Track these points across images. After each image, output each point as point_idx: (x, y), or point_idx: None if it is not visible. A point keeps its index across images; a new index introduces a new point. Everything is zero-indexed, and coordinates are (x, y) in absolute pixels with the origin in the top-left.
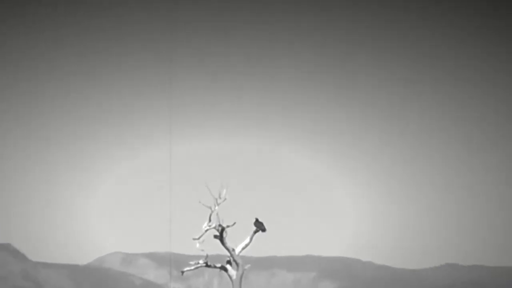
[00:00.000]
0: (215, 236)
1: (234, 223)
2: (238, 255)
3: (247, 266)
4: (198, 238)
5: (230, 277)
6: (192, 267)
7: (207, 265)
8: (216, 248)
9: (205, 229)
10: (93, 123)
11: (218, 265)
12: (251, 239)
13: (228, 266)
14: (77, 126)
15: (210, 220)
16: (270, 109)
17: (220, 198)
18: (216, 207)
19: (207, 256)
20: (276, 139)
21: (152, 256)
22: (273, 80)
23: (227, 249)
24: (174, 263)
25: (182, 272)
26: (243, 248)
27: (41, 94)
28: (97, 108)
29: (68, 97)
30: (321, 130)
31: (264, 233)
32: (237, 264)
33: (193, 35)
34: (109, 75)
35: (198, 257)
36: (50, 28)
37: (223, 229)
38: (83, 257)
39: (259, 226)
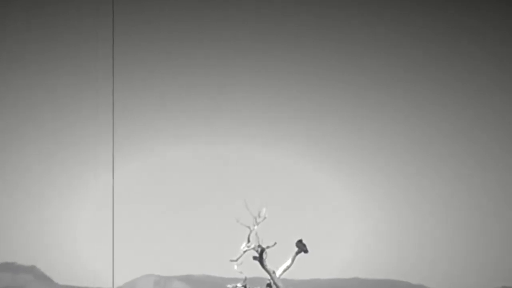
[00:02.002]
0: (255, 258)
1: (275, 243)
2: (279, 277)
3: None
4: (236, 260)
5: None
6: None
7: None
8: (255, 270)
9: (244, 250)
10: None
11: None
12: (292, 260)
13: None
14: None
15: (249, 241)
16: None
17: (259, 217)
18: (255, 227)
19: (245, 279)
20: (316, 157)
21: (187, 279)
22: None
23: (267, 271)
24: (211, 286)
25: None
26: (284, 271)
27: None
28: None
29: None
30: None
31: (306, 254)
32: (277, 287)
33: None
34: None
35: (236, 280)
36: None
37: (263, 250)
38: (113, 280)
39: (301, 247)
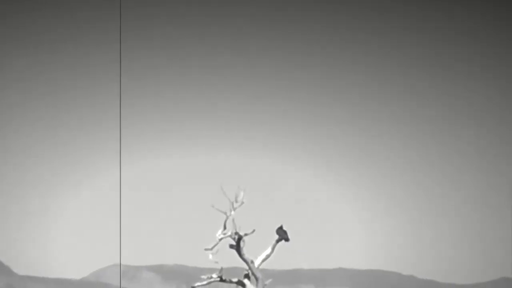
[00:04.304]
0: (231, 246)
1: (253, 230)
2: (257, 267)
3: (268, 281)
4: (211, 249)
5: None
6: (205, 282)
7: (221, 280)
8: (232, 259)
9: (219, 238)
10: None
11: (235, 279)
12: (273, 249)
13: (246, 281)
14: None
15: (225, 228)
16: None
17: (236, 201)
18: (232, 212)
19: (221, 269)
20: (300, 144)
21: (158, 269)
22: (286, 93)
23: (245, 260)
24: (184, 277)
25: (193, 287)
26: (263, 260)
27: None
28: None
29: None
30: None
31: (287, 242)
32: (256, 278)
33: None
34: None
35: (212, 270)
36: None
37: (240, 238)
38: (77, 270)
39: (282, 234)
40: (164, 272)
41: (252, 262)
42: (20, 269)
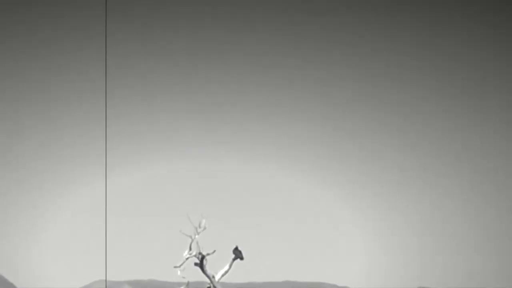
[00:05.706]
0: (196, 264)
1: (214, 251)
2: (218, 281)
3: None
4: (180, 266)
5: None
6: None
7: None
8: (197, 275)
9: (186, 257)
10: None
11: None
12: (230, 266)
13: None
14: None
15: (190, 249)
16: (250, 129)
17: (200, 227)
18: (196, 236)
19: (188, 283)
20: (252, 164)
21: (136, 284)
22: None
23: (208, 276)
24: None
25: None
26: (222, 275)
27: None
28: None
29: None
30: (294, 146)
31: (242, 260)
32: None
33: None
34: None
35: (180, 284)
36: None
37: (203, 257)
38: (69, 284)
39: (238, 254)
40: (141, 286)
41: (213, 277)
42: (21, 284)
